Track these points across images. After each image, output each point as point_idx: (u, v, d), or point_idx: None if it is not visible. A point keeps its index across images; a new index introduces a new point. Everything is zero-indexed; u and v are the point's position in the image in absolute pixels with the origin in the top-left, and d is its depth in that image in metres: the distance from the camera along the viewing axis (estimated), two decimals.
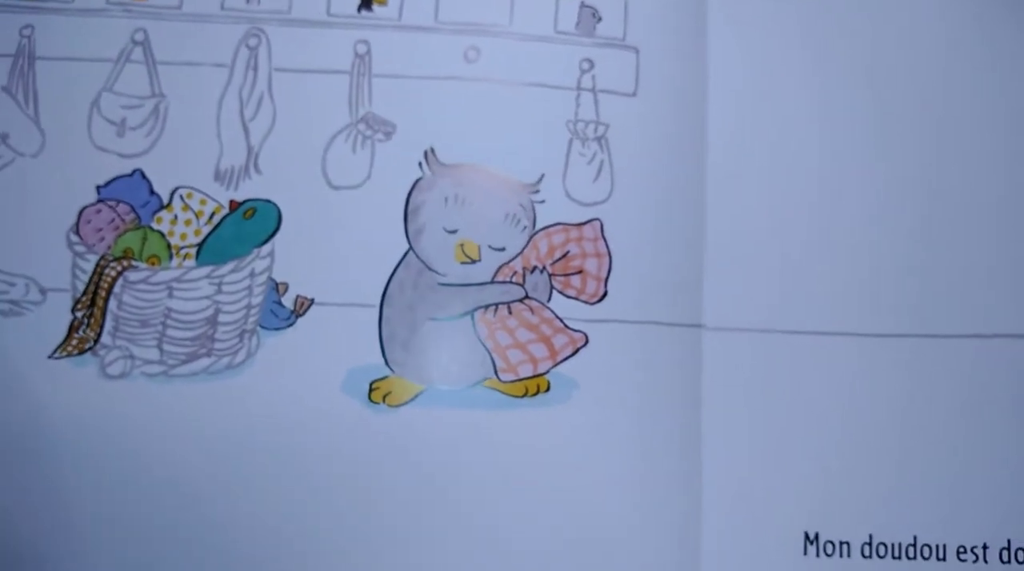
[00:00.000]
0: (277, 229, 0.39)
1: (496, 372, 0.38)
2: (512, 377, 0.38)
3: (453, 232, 0.39)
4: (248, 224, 0.39)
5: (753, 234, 0.38)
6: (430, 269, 0.38)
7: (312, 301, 0.38)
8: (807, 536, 0.35)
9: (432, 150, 0.39)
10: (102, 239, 0.38)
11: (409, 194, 0.39)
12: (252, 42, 0.40)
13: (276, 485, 0.36)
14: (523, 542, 0.37)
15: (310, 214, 0.39)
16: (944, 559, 0.35)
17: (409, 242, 0.39)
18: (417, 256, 0.39)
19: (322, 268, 0.39)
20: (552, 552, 0.37)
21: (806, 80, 0.38)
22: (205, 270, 0.38)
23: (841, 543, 0.35)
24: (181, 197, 0.39)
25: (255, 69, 0.40)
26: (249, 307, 0.38)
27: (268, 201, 0.39)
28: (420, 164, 0.39)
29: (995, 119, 0.37)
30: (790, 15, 0.39)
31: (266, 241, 0.39)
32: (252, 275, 0.38)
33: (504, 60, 0.40)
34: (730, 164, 0.39)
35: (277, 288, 0.39)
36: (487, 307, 0.38)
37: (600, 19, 0.40)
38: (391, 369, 0.38)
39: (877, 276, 0.37)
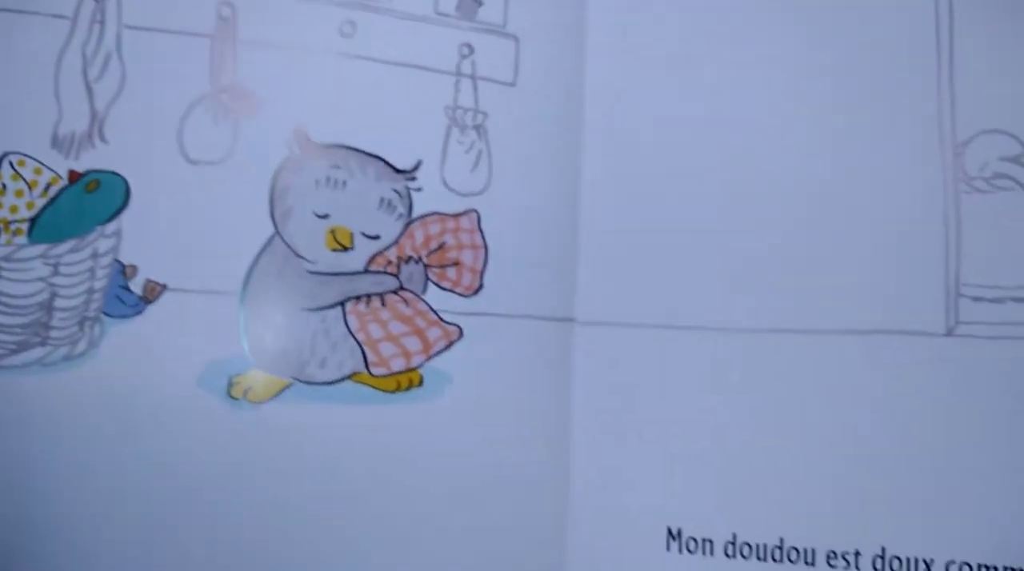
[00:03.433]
0: (124, 205, 0.34)
1: (367, 366, 0.35)
2: (384, 371, 0.35)
3: (324, 217, 0.35)
4: (90, 198, 0.34)
5: (626, 229, 0.38)
6: (298, 255, 0.35)
7: (164, 287, 0.34)
8: (670, 532, 0.35)
9: (302, 128, 0.36)
10: None
11: (276, 174, 0.35)
12: None
13: (120, 485, 0.32)
14: (393, 539, 0.35)
15: (163, 190, 0.35)
16: (813, 563, 0.35)
17: (275, 226, 0.35)
18: (284, 241, 0.35)
19: (176, 251, 0.35)
20: (423, 547, 0.35)
21: (683, 72, 0.38)
22: (39, 249, 0.33)
23: (704, 540, 0.35)
24: (11, 164, 0.33)
25: (101, 23, 0.35)
26: (91, 292, 0.33)
27: (114, 173, 0.35)
28: (288, 142, 0.36)
29: (870, 117, 0.38)
30: (668, 6, 0.38)
31: (111, 218, 0.34)
32: (95, 256, 0.34)
33: (382, 38, 0.37)
34: (605, 158, 0.38)
35: (124, 271, 0.34)
36: (359, 298, 0.36)
37: (481, 3, 0.38)
38: (253, 362, 0.34)
39: (748, 271, 0.37)
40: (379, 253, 0.36)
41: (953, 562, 0.33)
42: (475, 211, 0.37)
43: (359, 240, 0.36)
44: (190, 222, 0.35)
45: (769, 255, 0.36)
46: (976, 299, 0.35)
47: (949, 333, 0.35)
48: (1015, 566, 0.32)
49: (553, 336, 0.37)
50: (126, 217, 0.34)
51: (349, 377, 0.35)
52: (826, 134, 0.37)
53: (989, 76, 0.36)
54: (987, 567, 0.33)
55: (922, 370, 0.34)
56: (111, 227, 0.34)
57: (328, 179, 0.36)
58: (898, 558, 0.33)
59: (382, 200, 0.36)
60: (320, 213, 0.35)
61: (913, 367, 0.34)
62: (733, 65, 0.38)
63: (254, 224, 0.35)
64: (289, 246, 0.35)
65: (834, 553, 0.34)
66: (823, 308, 0.35)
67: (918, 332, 0.35)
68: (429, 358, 0.36)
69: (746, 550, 0.34)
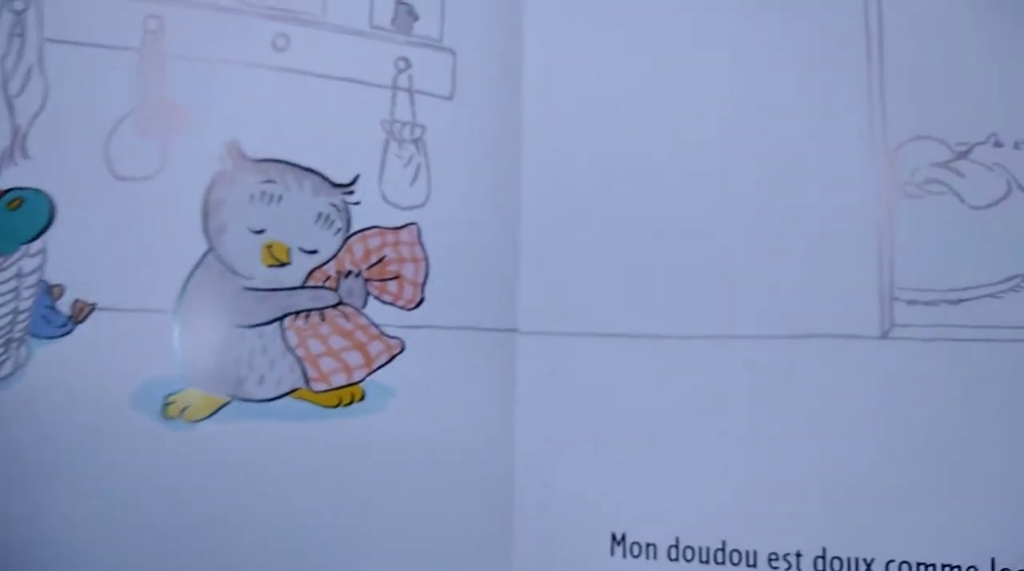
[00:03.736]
0: (49, 223, 0.33)
1: (307, 382, 0.35)
2: (324, 386, 0.35)
3: (260, 232, 0.35)
4: (13, 216, 0.33)
5: (567, 239, 0.38)
6: (233, 272, 0.34)
7: (94, 306, 0.33)
8: (614, 537, 0.35)
9: (235, 142, 0.35)
10: None
11: (208, 189, 0.35)
12: (18, 5, 0.34)
13: (51, 511, 0.31)
14: (339, 555, 0.34)
15: (90, 207, 0.34)
16: (754, 565, 0.35)
17: (209, 242, 0.34)
18: (218, 257, 0.34)
19: (105, 269, 0.34)
20: (368, 562, 0.35)
21: (622, 85, 0.38)
22: None
23: (648, 545, 0.35)
24: None
25: (21, 36, 0.34)
26: (16, 312, 0.32)
27: (38, 191, 0.33)
28: (221, 157, 0.35)
29: (803, 124, 0.39)
30: (607, 19, 0.39)
31: (36, 237, 0.33)
32: (19, 276, 0.32)
33: (316, 51, 0.37)
34: (545, 169, 0.38)
35: (51, 291, 0.33)
36: (297, 313, 0.35)
37: (417, 18, 0.38)
38: (189, 381, 0.33)
39: (686, 279, 0.38)
40: (317, 268, 0.36)
41: (893, 561, 0.33)
42: (415, 224, 0.37)
43: (296, 255, 0.35)
44: (120, 240, 0.34)
45: (706, 262, 0.36)
46: (910, 302, 0.35)
47: (884, 336, 0.35)
48: (954, 563, 0.33)
49: (496, 347, 0.37)
50: (51, 235, 0.33)
51: (289, 394, 0.35)
52: (760, 140, 0.37)
53: (919, 82, 0.37)
54: (927, 566, 0.33)
55: (858, 373, 0.35)
56: (36, 246, 0.33)
57: (263, 194, 0.35)
58: (839, 558, 0.34)
59: (319, 214, 0.36)
60: (255, 228, 0.35)
61: (849, 370, 0.35)
62: (671, 76, 0.38)
63: (187, 241, 0.34)
64: (224, 262, 0.34)
65: (776, 554, 0.34)
66: (759, 314, 0.36)
67: (853, 336, 0.35)
68: (371, 372, 0.35)
69: (689, 553, 0.34)
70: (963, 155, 0.36)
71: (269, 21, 0.37)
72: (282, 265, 0.35)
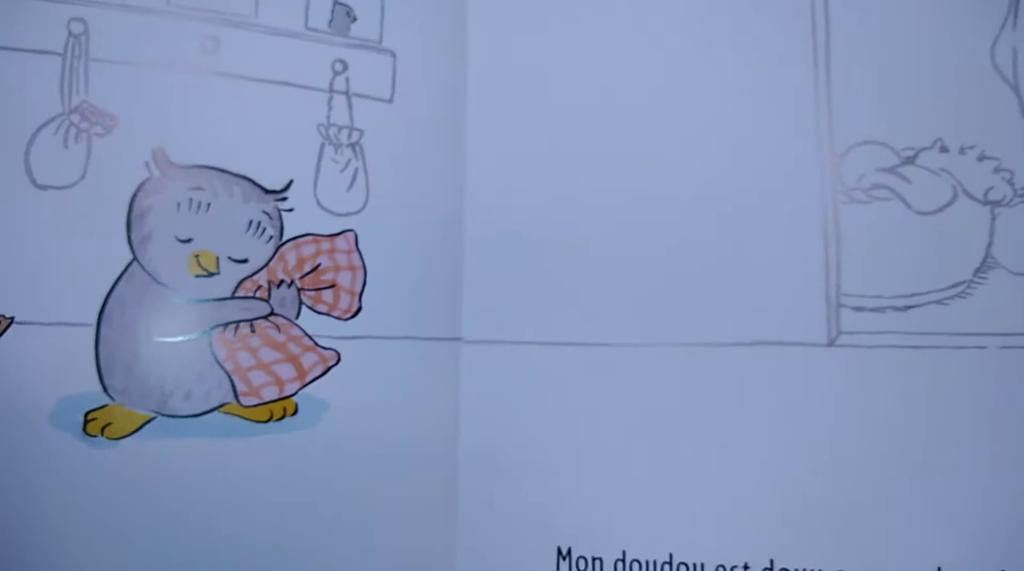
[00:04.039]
0: None
1: (236, 396, 0.33)
2: (254, 401, 0.34)
3: (187, 241, 0.33)
4: None
5: (511, 245, 0.37)
6: (158, 282, 0.33)
7: (12, 320, 0.32)
8: (560, 551, 0.34)
9: (162, 149, 0.34)
10: None
11: (133, 197, 0.33)
12: None
13: None
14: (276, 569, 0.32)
15: (8, 217, 0.33)
16: None
17: (133, 252, 0.33)
18: (143, 268, 0.33)
19: (23, 281, 0.33)
20: None
21: (569, 88, 0.38)
22: None
23: (594, 559, 0.34)
24: None
25: None
26: None
27: None
28: (147, 163, 0.34)
29: (749, 131, 0.38)
30: (553, 21, 0.38)
31: None
32: None
33: (247, 54, 0.35)
34: (489, 174, 0.37)
35: None
36: (226, 325, 0.34)
37: (355, 19, 0.37)
38: (111, 397, 0.33)
39: (631, 287, 0.37)
40: (248, 277, 0.34)
41: None
42: (352, 231, 0.36)
43: (225, 264, 0.34)
44: (39, 250, 0.33)
45: (651, 270, 0.36)
46: (857, 309, 0.35)
47: (831, 343, 0.34)
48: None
49: (439, 356, 0.36)
50: None
51: (217, 409, 0.33)
52: (706, 147, 0.37)
53: (866, 88, 0.36)
54: None
55: (805, 381, 0.34)
56: None
57: (191, 201, 0.34)
58: (786, 570, 0.32)
59: (250, 222, 0.34)
60: (182, 237, 0.34)
61: (796, 378, 0.34)
62: (617, 80, 0.37)
63: (110, 251, 0.33)
64: (149, 273, 0.33)
65: (723, 567, 0.33)
66: (705, 322, 0.35)
67: (800, 343, 0.34)
68: (304, 385, 0.34)
69: (636, 567, 0.33)
70: (909, 161, 0.35)
71: (198, 23, 0.36)
72: (210, 275, 0.34)
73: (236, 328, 0.34)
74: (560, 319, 0.36)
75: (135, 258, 0.33)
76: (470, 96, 0.37)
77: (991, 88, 0.36)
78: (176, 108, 0.35)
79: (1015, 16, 0.36)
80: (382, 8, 0.38)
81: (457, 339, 0.36)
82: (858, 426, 0.34)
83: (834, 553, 0.33)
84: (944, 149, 0.35)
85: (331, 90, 0.37)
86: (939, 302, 0.35)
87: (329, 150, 0.36)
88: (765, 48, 0.37)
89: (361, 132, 0.37)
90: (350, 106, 0.37)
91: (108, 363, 0.32)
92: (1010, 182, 0.35)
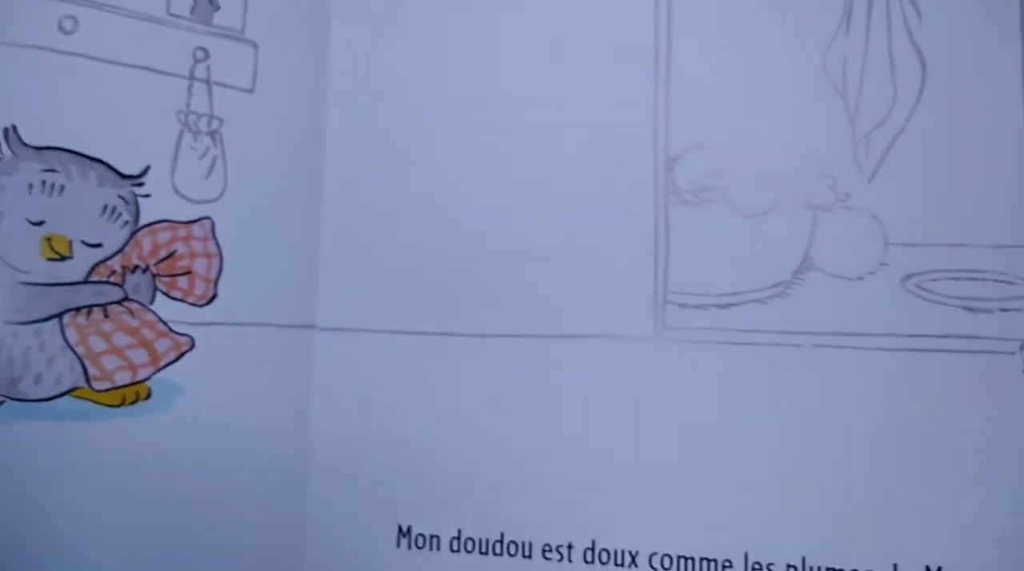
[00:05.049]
0: None
1: (88, 380, 0.34)
2: (107, 385, 0.34)
3: (39, 224, 0.34)
4: None
5: (368, 235, 0.38)
6: (8, 265, 0.33)
7: None
8: (400, 529, 0.37)
9: (14, 127, 0.34)
10: None
11: None
12: None
13: None
14: (125, 558, 0.34)
15: None
16: (530, 556, 0.37)
17: None
18: None
19: None
20: (160, 561, 0.34)
21: (429, 82, 0.39)
22: None
23: (431, 536, 0.37)
24: None
25: None
26: None
27: None
28: None
29: (587, 133, 0.39)
30: (416, 14, 0.39)
31: None
32: None
33: (107, 36, 0.35)
34: (348, 165, 0.38)
35: None
36: (78, 309, 0.34)
37: (218, 7, 0.38)
38: None
39: (479, 279, 0.39)
40: (102, 262, 0.35)
41: (656, 554, 0.35)
42: (209, 218, 0.36)
43: (79, 248, 0.34)
44: None
45: (495, 263, 0.37)
46: (682, 306, 0.38)
47: (656, 337, 0.37)
48: (711, 557, 0.35)
49: (294, 343, 0.37)
50: None
51: (68, 392, 0.34)
52: (549, 147, 0.39)
53: (702, 92, 0.38)
54: (686, 559, 0.35)
55: (631, 373, 0.37)
56: None
57: (43, 183, 0.34)
58: (607, 550, 0.36)
59: (105, 207, 0.35)
60: (34, 220, 0.34)
61: (623, 370, 0.37)
62: (474, 76, 0.39)
63: None
64: None
65: (549, 546, 0.35)
66: (542, 313, 0.37)
67: (627, 337, 0.37)
68: (158, 370, 0.35)
69: (469, 545, 0.36)
70: (738, 165, 0.38)
71: (56, 2, 0.35)
72: (62, 258, 0.34)
73: (89, 312, 0.34)
74: (412, 309, 0.38)
75: None
76: (331, 88, 0.39)
77: (821, 95, 0.38)
78: (31, 88, 0.34)
79: (847, 25, 0.38)
80: None
81: (311, 326, 0.37)
82: (682, 415, 0.37)
83: (651, 536, 0.36)
84: (772, 154, 0.38)
85: (191, 77, 0.37)
86: (759, 301, 0.38)
87: (188, 137, 0.37)
88: (607, 49, 0.39)
89: (221, 121, 0.37)
90: (210, 94, 0.37)
91: None
92: (832, 188, 0.38)
